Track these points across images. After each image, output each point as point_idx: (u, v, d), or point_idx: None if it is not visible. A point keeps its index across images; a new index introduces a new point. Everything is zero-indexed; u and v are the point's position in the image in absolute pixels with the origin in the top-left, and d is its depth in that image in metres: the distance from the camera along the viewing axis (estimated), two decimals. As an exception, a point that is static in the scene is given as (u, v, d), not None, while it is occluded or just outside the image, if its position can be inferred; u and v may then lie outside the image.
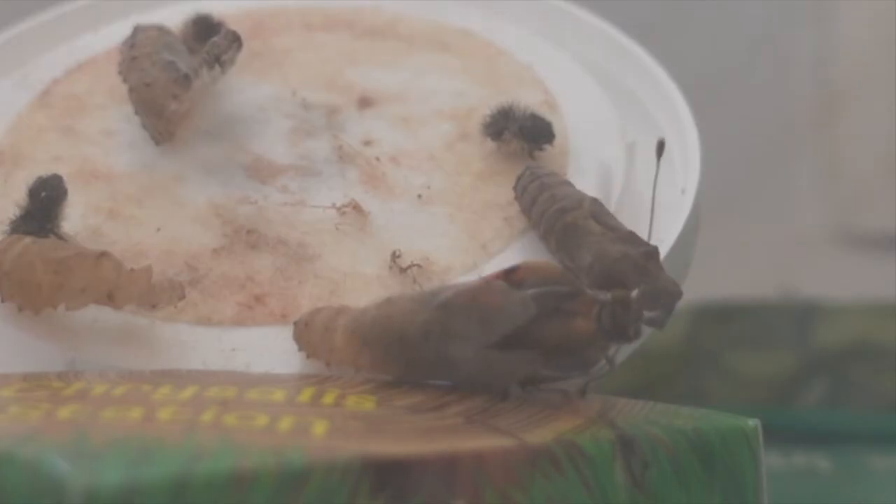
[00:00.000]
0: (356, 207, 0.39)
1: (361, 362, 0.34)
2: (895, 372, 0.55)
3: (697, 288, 0.43)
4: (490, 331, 0.32)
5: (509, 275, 0.33)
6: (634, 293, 0.32)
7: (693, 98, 0.42)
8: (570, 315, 0.32)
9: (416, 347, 0.33)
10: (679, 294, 0.33)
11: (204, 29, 0.43)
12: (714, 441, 0.33)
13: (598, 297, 0.32)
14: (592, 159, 0.41)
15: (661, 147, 0.36)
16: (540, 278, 0.33)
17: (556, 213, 0.37)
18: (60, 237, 0.37)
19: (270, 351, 0.36)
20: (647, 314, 0.32)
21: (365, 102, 0.43)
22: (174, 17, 0.44)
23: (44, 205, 0.37)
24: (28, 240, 0.36)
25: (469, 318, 0.32)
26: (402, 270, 0.38)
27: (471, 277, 0.37)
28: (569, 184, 0.38)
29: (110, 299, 0.35)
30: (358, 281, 0.38)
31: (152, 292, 0.35)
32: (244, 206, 0.39)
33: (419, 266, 0.38)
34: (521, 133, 0.40)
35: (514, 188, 0.39)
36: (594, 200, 0.37)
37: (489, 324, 0.32)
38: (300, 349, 0.35)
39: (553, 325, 0.32)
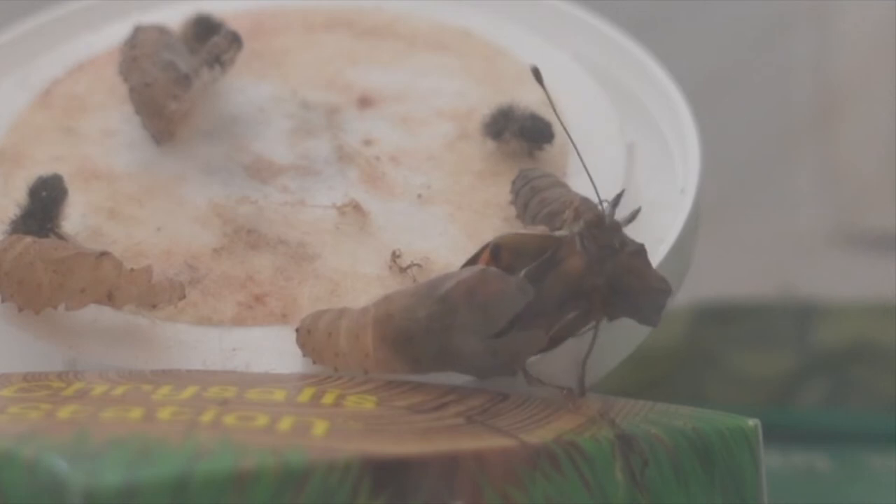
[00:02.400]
0: (356, 207, 0.39)
1: (368, 364, 0.34)
2: (895, 372, 0.55)
3: (697, 288, 0.43)
4: (493, 321, 0.33)
5: (496, 259, 0.33)
6: (602, 208, 0.33)
7: (693, 98, 0.42)
8: (559, 262, 0.32)
9: (421, 344, 0.33)
10: (668, 291, 0.33)
11: (204, 29, 0.43)
12: (714, 441, 0.33)
13: (573, 230, 0.32)
14: (592, 159, 0.41)
15: (536, 73, 0.36)
16: (523, 252, 0.33)
17: (545, 217, 0.37)
18: (61, 237, 0.37)
19: (270, 351, 0.36)
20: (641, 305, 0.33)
21: (365, 102, 0.43)
22: (174, 17, 0.44)
23: (44, 205, 0.37)
24: (28, 240, 0.36)
25: (471, 311, 0.33)
26: (402, 270, 0.38)
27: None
28: (561, 185, 0.38)
29: (110, 299, 0.35)
30: (358, 281, 0.38)
31: (152, 292, 0.35)
32: (244, 206, 0.39)
33: (419, 266, 0.38)
34: (521, 133, 0.40)
35: (510, 192, 0.39)
36: (584, 200, 0.37)
37: (491, 314, 0.32)
38: (304, 355, 0.35)
39: (550, 280, 0.32)
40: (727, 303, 0.58)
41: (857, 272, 0.67)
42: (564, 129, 0.37)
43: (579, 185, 0.39)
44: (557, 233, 0.33)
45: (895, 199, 0.70)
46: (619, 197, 0.34)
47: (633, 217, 0.34)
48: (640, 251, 0.33)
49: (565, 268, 0.33)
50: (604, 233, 0.32)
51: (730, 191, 0.66)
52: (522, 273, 0.33)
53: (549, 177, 0.39)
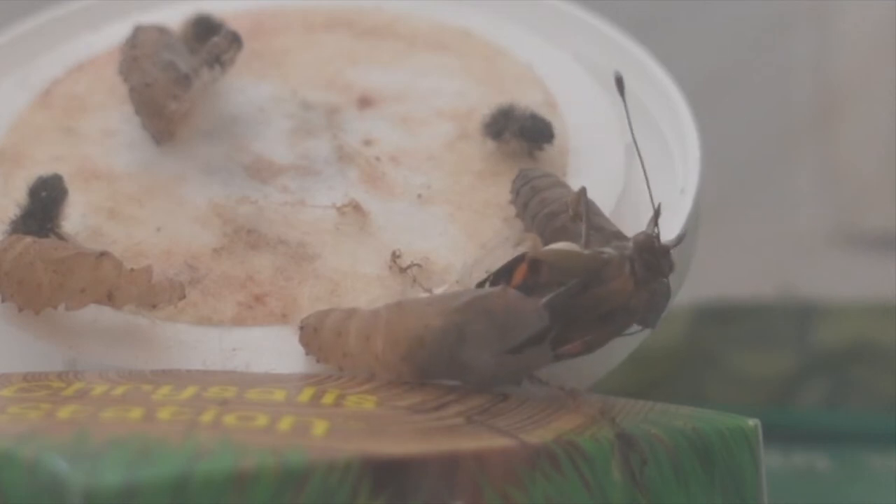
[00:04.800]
0: (356, 207, 0.39)
1: (376, 366, 0.34)
2: (895, 372, 0.55)
3: (697, 288, 0.43)
4: (506, 339, 0.33)
5: (534, 273, 0.33)
6: (652, 232, 0.33)
7: (693, 98, 0.42)
8: (604, 281, 0.33)
9: (432, 352, 0.33)
10: (669, 294, 0.34)
11: (204, 29, 0.43)
12: (714, 441, 0.33)
13: (624, 253, 0.33)
14: (592, 159, 0.41)
15: (619, 83, 0.35)
16: (565, 270, 0.33)
17: (545, 217, 0.37)
18: (61, 237, 0.37)
19: (270, 351, 0.36)
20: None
21: (365, 102, 0.43)
22: (174, 17, 0.44)
23: (44, 204, 0.37)
24: (28, 240, 0.36)
25: (486, 328, 0.33)
26: (402, 270, 0.38)
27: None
28: (562, 185, 0.38)
29: (110, 299, 0.35)
30: (358, 281, 0.38)
31: (152, 292, 0.35)
32: (244, 206, 0.39)
33: (419, 266, 0.38)
34: (521, 133, 0.40)
35: (510, 192, 0.39)
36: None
37: (506, 334, 0.33)
38: (308, 353, 0.35)
39: (592, 296, 0.32)
40: (727, 303, 0.58)
41: (857, 272, 0.67)
42: (635, 143, 0.36)
43: (579, 186, 0.39)
44: (605, 252, 0.33)
45: (895, 199, 0.70)
46: (657, 212, 0.33)
47: (679, 240, 0.34)
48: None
49: (611, 289, 0.33)
50: (654, 257, 0.33)
51: (730, 191, 0.66)
52: (543, 300, 0.33)
53: (549, 177, 0.39)
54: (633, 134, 0.36)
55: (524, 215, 0.38)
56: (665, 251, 0.33)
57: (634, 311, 0.33)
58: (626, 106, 0.36)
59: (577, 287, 0.33)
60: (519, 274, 0.33)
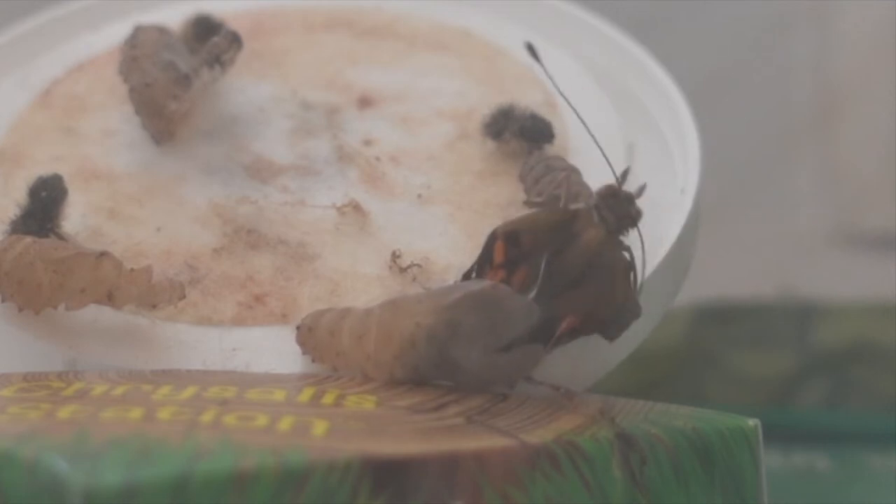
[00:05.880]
0: (356, 207, 0.39)
1: (368, 366, 0.34)
2: (895, 372, 0.55)
3: (697, 288, 0.43)
4: (497, 336, 0.33)
5: (514, 246, 0.33)
6: (616, 182, 0.33)
7: (693, 98, 0.42)
8: (577, 235, 0.33)
9: (423, 351, 0.33)
10: (637, 314, 0.34)
11: (204, 29, 0.43)
12: (714, 441, 0.33)
13: (589, 203, 0.33)
14: (592, 159, 0.41)
15: (531, 49, 0.36)
16: (539, 231, 0.33)
17: (552, 198, 0.37)
18: (61, 237, 0.37)
19: (270, 351, 0.36)
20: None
21: (365, 102, 0.43)
22: (174, 17, 0.44)
23: (44, 204, 0.37)
24: (28, 240, 0.36)
25: (477, 325, 0.33)
26: (402, 270, 0.38)
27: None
28: (575, 170, 0.38)
29: (110, 299, 0.35)
30: (358, 281, 0.38)
31: (152, 292, 0.35)
32: (244, 206, 0.39)
33: (419, 266, 0.38)
34: (521, 133, 0.41)
35: (523, 165, 0.39)
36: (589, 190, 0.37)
37: (497, 330, 0.33)
38: (304, 353, 0.35)
39: (570, 254, 0.32)
40: (727, 303, 0.58)
41: (857, 272, 0.67)
42: (568, 102, 0.37)
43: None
44: (572, 206, 0.33)
45: (895, 199, 0.70)
46: (626, 172, 0.34)
47: (640, 192, 0.34)
48: (629, 265, 0.34)
49: (584, 240, 0.33)
50: (620, 203, 0.33)
51: (730, 191, 0.66)
52: (531, 296, 0.33)
53: (563, 160, 0.39)
54: (560, 91, 0.37)
55: (532, 190, 0.38)
56: (629, 197, 0.33)
57: (612, 269, 0.33)
58: (545, 69, 0.36)
59: (554, 250, 0.33)
60: (498, 252, 0.33)
